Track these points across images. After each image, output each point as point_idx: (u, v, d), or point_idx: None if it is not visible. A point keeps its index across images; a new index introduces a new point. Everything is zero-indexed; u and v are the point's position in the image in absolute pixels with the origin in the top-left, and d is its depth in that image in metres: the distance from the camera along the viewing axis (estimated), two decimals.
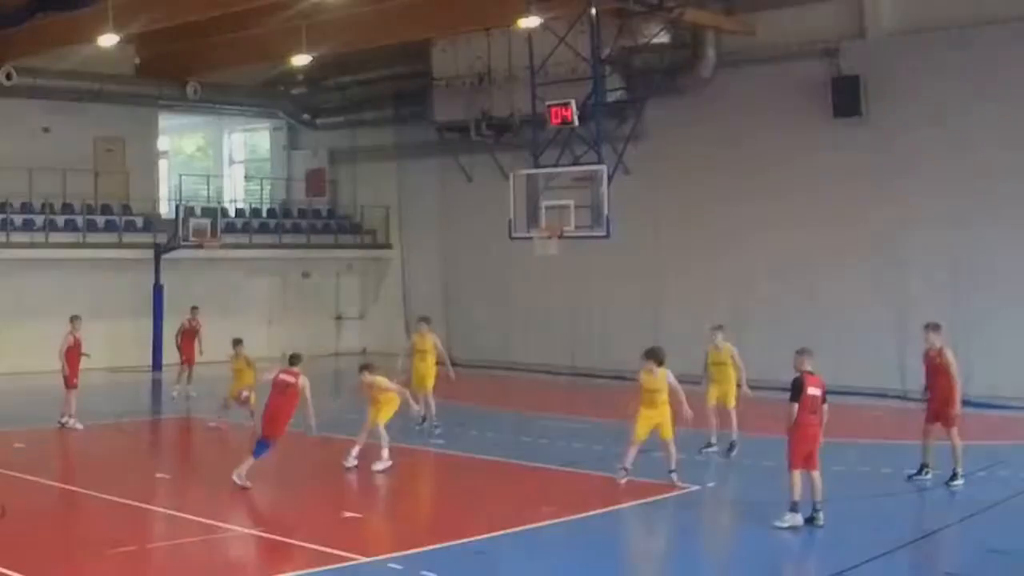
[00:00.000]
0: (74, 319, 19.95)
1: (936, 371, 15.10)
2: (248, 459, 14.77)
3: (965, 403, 22.17)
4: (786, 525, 12.56)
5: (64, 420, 19.43)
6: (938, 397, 15.09)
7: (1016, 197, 22.56)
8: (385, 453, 15.86)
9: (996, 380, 22.17)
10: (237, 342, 19.83)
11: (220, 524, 13.18)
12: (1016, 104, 22.39)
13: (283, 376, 15.05)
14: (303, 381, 14.89)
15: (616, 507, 14.06)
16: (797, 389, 12.65)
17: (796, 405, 12.57)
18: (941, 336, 15.24)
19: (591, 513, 13.54)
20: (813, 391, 12.68)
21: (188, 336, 24.13)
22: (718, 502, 14.37)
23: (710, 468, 16.15)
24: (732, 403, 17.14)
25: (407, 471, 16.76)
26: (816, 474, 12.70)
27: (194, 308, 24.54)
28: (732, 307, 25.81)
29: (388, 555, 11.44)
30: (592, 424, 19.85)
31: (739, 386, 17.26)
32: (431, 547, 11.82)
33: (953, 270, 23.20)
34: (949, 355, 15.03)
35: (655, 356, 14.82)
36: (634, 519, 13.35)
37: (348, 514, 13.46)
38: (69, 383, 19.59)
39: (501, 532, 12.62)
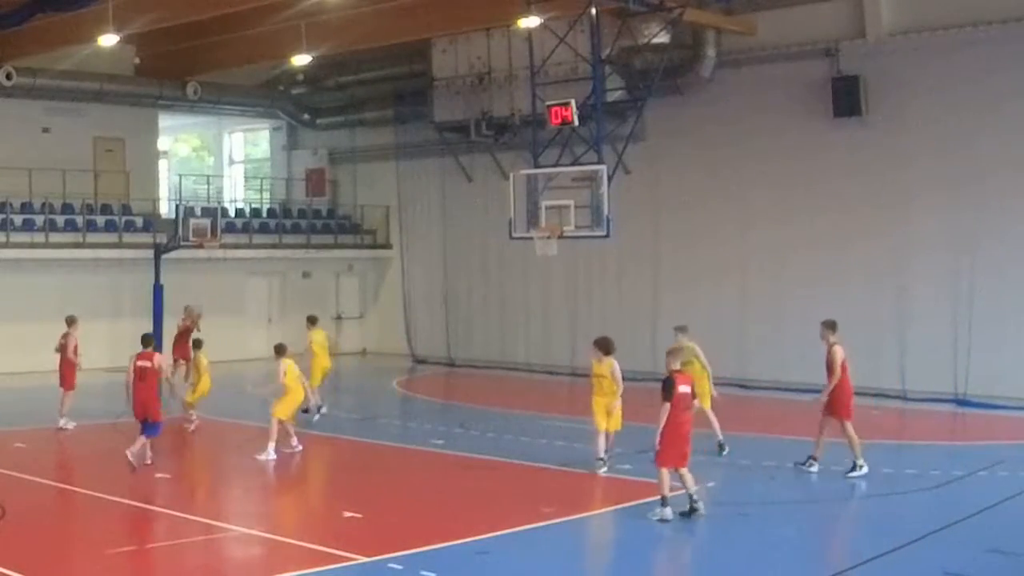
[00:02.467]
0: (70, 320, 19.91)
1: (830, 367, 15.59)
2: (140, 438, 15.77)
3: (964, 403, 22.53)
4: (657, 518, 12.88)
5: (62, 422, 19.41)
6: (833, 392, 15.53)
7: (1017, 195, 22.56)
8: None
9: (996, 380, 22.22)
10: (197, 344, 20.02)
11: (220, 524, 13.19)
12: (1016, 103, 22.39)
13: (140, 362, 15.90)
14: (159, 360, 16.03)
15: (616, 507, 14.08)
16: (669, 388, 12.93)
17: (668, 404, 12.89)
18: (835, 334, 15.78)
19: (591, 513, 13.54)
20: (684, 389, 13.03)
21: (184, 334, 23.95)
22: (718, 502, 14.35)
23: (710, 468, 16.14)
24: (706, 403, 17.20)
25: (407, 471, 16.78)
26: (686, 470, 13.07)
27: (187, 307, 24.38)
28: (733, 306, 25.86)
29: (388, 555, 11.42)
30: (591, 424, 19.85)
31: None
32: (431, 547, 11.81)
33: (953, 269, 23.19)
34: (835, 352, 15.57)
35: (599, 344, 15.98)
36: (634, 519, 13.34)
37: (348, 514, 13.45)
38: (66, 383, 19.57)
39: (501, 532, 12.63)
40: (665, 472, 13.01)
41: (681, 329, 17.83)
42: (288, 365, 17.36)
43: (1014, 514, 13.86)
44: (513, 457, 17.23)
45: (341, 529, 12.94)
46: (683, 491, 13.10)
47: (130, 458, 15.51)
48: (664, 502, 12.97)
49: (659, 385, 13.13)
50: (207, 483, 16.69)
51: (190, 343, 23.51)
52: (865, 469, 15.43)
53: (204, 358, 19.92)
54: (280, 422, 17.13)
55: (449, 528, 12.83)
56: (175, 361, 23.98)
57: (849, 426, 15.52)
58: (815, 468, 15.72)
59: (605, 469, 15.56)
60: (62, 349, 19.77)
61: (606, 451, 15.71)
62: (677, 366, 13.26)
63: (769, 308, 25.45)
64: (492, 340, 31.08)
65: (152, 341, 16.42)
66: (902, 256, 23.92)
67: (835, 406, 15.57)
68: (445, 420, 21.55)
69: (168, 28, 26.41)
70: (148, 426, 15.72)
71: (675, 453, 12.97)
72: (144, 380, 15.80)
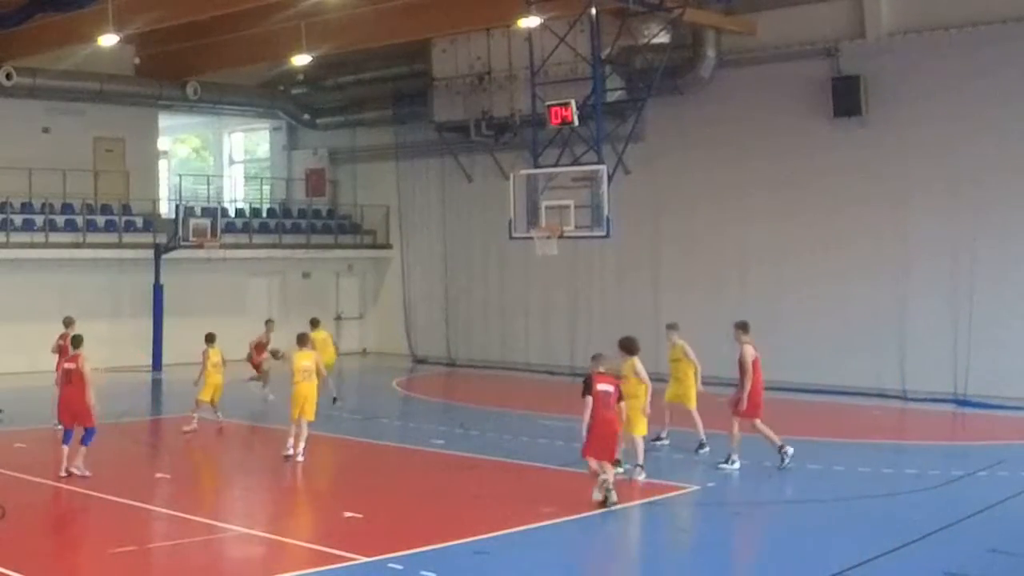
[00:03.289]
0: (68, 320, 19.86)
1: (742, 368, 15.90)
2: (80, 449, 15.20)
3: (964, 403, 22.54)
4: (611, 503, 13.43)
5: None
6: (750, 392, 15.81)
7: (1017, 195, 22.57)
8: None
9: (996, 380, 22.22)
10: (210, 339, 19.74)
11: (220, 524, 13.20)
12: (1016, 103, 22.40)
13: (66, 365, 15.43)
14: (82, 363, 15.17)
15: (616, 507, 14.06)
16: (587, 385, 13.77)
17: (589, 398, 13.65)
18: (746, 335, 16.08)
19: (591, 513, 13.54)
20: (604, 387, 13.77)
21: (260, 349, 23.80)
22: (717, 502, 14.37)
23: (709, 468, 16.14)
24: (691, 404, 17.28)
25: (407, 471, 16.77)
26: (610, 464, 13.75)
27: (268, 321, 24.25)
28: (732, 307, 25.77)
29: (388, 555, 11.43)
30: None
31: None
32: (431, 547, 11.81)
33: (953, 269, 23.19)
34: (746, 352, 15.90)
35: (621, 345, 15.67)
36: (633, 519, 13.36)
37: (348, 514, 13.46)
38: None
39: (501, 532, 12.63)
40: (592, 460, 13.64)
41: (672, 327, 18.01)
42: (295, 354, 17.07)
43: (1014, 514, 13.87)
44: (513, 457, 17.24)
45: (341, 529, 12.94)
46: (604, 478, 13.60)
47: (76, 472, 15.09)
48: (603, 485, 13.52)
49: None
50: (207, 483, 16.68)
51: (264, 356, 23.22)
52: (737, 465, 15.81)
53: (216, 354, 19.74)
54: (298, 423, 16.87)
55: (449, 528, 12.83)
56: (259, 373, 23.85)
57: (759, 423, 15.88)
58: (790, 451, 15.88)
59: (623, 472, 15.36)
60: (60, 350, 19.72)
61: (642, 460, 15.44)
62: (600, 369, 13.98)
63: (769, 308, 25.42)
64: (492, 340, 31.08)
65: (81, 342, 15.52)
66: (902, 256, 23.92)
67: (750, 405, 15.85)
68: (445, 420, 21.54)
69: (168, 28, 26.44)
70: (85, 432, 15.17)
71: (598, 446, 13.60)
72: (70, 383, 15.21)
